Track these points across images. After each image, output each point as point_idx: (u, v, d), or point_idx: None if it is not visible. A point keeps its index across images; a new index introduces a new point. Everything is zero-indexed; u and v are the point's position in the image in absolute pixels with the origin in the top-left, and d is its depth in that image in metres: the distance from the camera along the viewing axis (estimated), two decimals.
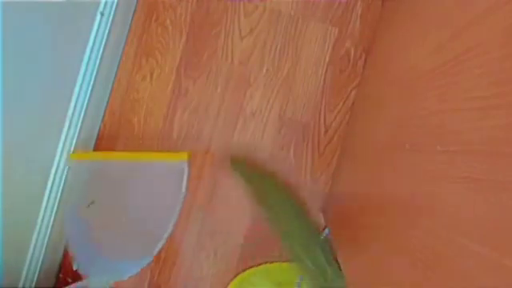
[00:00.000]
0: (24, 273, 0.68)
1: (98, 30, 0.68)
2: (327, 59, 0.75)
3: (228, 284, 0.75)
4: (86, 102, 0.70)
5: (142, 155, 0.72)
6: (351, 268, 0.54)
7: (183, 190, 0.68)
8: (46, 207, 0.69)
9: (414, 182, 0.35)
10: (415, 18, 0.47)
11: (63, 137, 0.68)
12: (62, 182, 0.70)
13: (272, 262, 0.75)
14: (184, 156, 0.69)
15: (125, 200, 0.71)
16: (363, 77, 0.74)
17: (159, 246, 0.65)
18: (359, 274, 0.49)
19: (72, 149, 0.70)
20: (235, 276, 0.75)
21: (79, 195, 0.71)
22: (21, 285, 0.68)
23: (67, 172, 0.71)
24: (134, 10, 0.78)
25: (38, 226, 0.68)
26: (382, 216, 0.43)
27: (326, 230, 0.73)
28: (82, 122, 0.71)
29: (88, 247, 0.68)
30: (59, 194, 0.70)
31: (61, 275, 0.78)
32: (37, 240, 0.69)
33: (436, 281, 0.27)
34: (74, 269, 0.77)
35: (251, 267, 0.75)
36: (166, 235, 0.66)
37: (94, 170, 0.72)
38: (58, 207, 0.71)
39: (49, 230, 0.70)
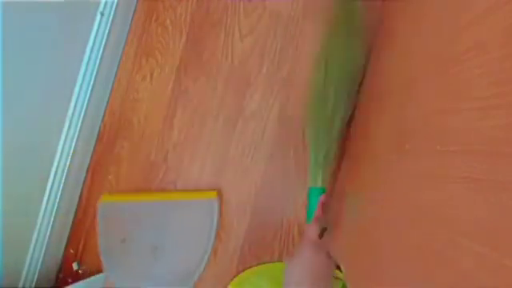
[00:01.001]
0: (24, 273, 0.68)
1: (98, 30, 0.68)
2: None
3: (228, 284, 0.75)
4: (85, 102, 0.70)
5: (171, 195, 0.76)
6: (351, 268, 0.54)
7: (214, 226, 0.73)
8: (45, 207, 0.69)
9: (414, 181, 0.35)
10: (415, 19, 0.47)
11: (63, 137, 0.68)
12: (62, 182, 0.70)
13: (272, 262, 0.75)
14: (213, 194, 0.74)
15: (161, 237, 0.74)
16: (363, 77, 0.74)
17: (194, 280, 0.72)
18: (359, 273, 0.49)
19: (72, 149, 0.70)
20: (235, 276, 0.75)
21: (113, 233, 0.75)
22: (21, 285, 0.68)
23: (102, 211, 0.75)
24: (134, 10, 0.78)
25: (37, 226, 0.68)
26: (382, 216, 0.43)
27: (326, 230, 0.73)
28: (82, 122, 0.71)
29: (131, 281, 0.72)
30: (59, 194, 0.70)
31: (61, 275, 0.78)
32: (37, 240, 0.69)
33: (436, 281, 0.27)
34: (74, 269, 0.78)
35: (251, 267, 0.75)
36: (199, 271, 0.72)
37: (125, 209, 0.75)
38: (57, 207, 0.71)
39: (49, 230, 0.70)
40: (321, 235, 0.54)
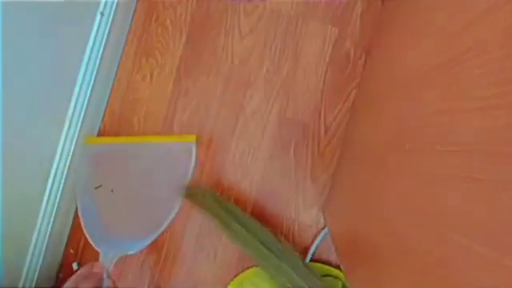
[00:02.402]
0: (24, 273, 0.68)
1: (98, 30, 0.68)
2: (327, 59, 0.75)
3: (228, 284, 0.75)
4: (86, 101, 0.70)
5: (150, 138, 0.76)
6: (351, 268, 0.54)
7: (192, 165, 0.73)
8: (45, 207, 0.69)
9: (414, 181, 0.35)
10: (415, 18, 0.47)
11: (63, 137, 0.68)
12: (63, 182, 0.70)
13: None
14: (192, 138, 0.74)
15: (134, 179, 0.74)
16: (363, 77, 0.74)
17: (168, 221, 0.69)
18: (359, 273, 0.49)
19: (72, 149, 0.70)
20: (235, 276, 0.75)
21: (90, 176, 0.74)
22: (21, 285, 0.68)
23: (80, 153, 0.73)
24: (134, 10, 0.78)
25: (37, 226, 0.68)
26: (382, 216, 0.43)
27: (326, 230, 0.73)
28: (82, 122, 0.71)
29: (98, 225, 0.70)
30: (59, 194, 0.70)
31: (61, 275, 0.78)
32: (37, 240, 0.69)
33: (436, 281, 0.27)
34: (74, 269, 0.78)
35: (251, 267, 0.75)
36: (174, 211, 0.70)
37: (104, 152, 0.75)
38: (57, 207, 0.71)
39: (49, 230, 0.70)
40: None
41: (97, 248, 0.65)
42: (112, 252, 0.64)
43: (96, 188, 0.73)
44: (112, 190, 0.73)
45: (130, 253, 0.66)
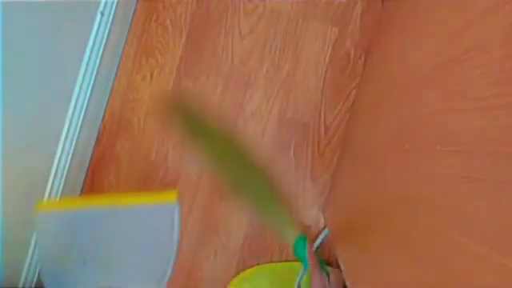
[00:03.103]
0: (24, 273, 0.68)
1: (98, 30, 0.68)
2: (327, 59, 0.75)
3: (228, 284, 0.75)
4: (86, 101, 0.70)
5: (123, 199, 0.65)
6: (351, 268, 0.54)
7: (176, 230, 0.64)
8: None
9: (414, 181, 0.35)
10: (415, 18, 0.47)
11: (63, 137, 0.68)
12: (62, 182, 0.70)
13: (272, 262, 0.75)
14: (172, 197, 0.64)
15: (111, 248, 0.65)
16: (363, 77, 0.74)
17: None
18: (359, 273, 0.49)
19: (72, 149, 0.70)
20: (235, 276, 0.75)
21: (53, 250, 0.65)
22: (21, 285, 0.68)
23: (37, 223, 0.64)
24: (134, 10, 0.78)
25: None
26: (382, 216, 0.43)
27: (326, 230, 0.73)
28: (82, 122, 0.71)
29: None
30: (59, 195, 0.70)
31: None
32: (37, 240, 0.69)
33: (436, 281, 0.27)
34: None
35: (251, 267, 0.75)
36: (164, 281, 0.63)
37: (66, 219, 0.65)
38: None
39: None
40: (328, 279, 0.52)
41: None
42: None
43: (60, 259, 0.63)
44: (84, 262, 0.64)
45: None
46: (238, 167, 0.60)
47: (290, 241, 0.61)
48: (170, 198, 0.64)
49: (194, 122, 0.62)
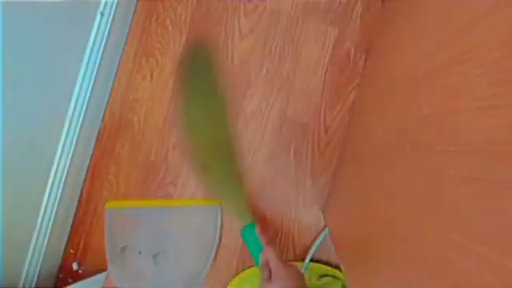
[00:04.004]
0: (24, 273, 0.68)
1: (97, 30, 0.68)
2: (327, 59, 0.75)
3: (228, 284, 0.75)
4: (86, 101, 0.70)
5: (175, 201, 0.77)
6: (352, 268, 0.54)
7: (218, 233, 0.74)
8: (46, 207, 0.69)
9: (414, 182, 0.35)
10: (415, 18, 0.47)
11: (63, 137, 0.68)
12: (63, 182, 0.70)
13: None
14: (216, 201, 0.75)
15: (164, 241, 0.76)
16: (363, 77, 0.74)
17: (202, 277, 0.73)
18: (360, 273, 0.49)
19: (72, 149, 0.70)
20: (235, 276, 0.75)
21: (115, 239, 0.76)
22: (21, 285, 0.68)
23: (106, 217, 0.76)
24: (134, 10, 0.78)
25: (37, 226, 0.68)
26: (382, 216, 0.43)
27: (326, 230, 0.73)
28: (82, 122, 0.71)
29: (134, 285, 0.74)
30: (59, 195, 0.70)
31: (61, 275, 0.78)
32: (37, 240, 0.69)
33: (436, 280, 0.27)
34: (74, 269, 0.78)
35: (251, 267, 0.75)
36: (205, 271, 0.74)
37: (127, 215, 0.77)
38: (57, 208, 0.71)
39: (49, 230, 0.70)
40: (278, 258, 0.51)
41: None
42: None
43: (122, 250, 0.75)
44: (140, 252, 0.75)
45: None
46: (213, 134, 0.60)
47: (240, 225, 0.62)
48: (213, 202, 0.76)
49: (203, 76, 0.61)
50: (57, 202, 0.70)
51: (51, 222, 0.70)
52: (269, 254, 0.53)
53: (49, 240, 0.71)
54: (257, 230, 0.58)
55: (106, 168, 0.79)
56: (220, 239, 0.75)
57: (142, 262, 0.75)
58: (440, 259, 0.27)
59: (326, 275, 0.70)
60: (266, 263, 0.52)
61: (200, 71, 0.62)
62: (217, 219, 0.74)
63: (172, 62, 0.78)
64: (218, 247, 0.75)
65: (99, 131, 0.78)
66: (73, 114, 0.69)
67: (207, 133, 0.60)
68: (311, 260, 0.73)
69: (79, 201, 0.79)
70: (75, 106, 0.69)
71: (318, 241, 0.73)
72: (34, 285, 0.70)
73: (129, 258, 0.75)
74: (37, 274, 0.70)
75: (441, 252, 0.27)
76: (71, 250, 0.78)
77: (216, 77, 0.62)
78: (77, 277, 0.78)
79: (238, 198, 0.62)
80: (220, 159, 0.61)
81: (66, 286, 0.67)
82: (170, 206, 0.77)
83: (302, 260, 0.73)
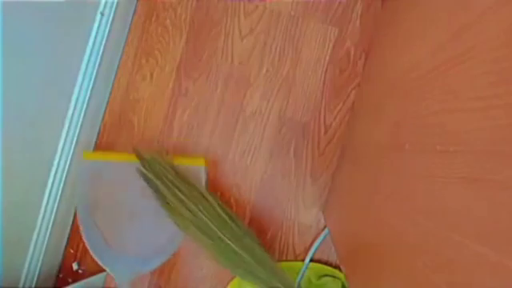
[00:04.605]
0: (24, 273, 0.68)
1: (97, 30, 0.68)
2: (327, 59, 0.75)
3: (228, 284, 0.75)
4: (85, 102, 0.70)
5: None
6: (352, 267, 0.54)
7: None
8: (46, 207, 0.69)
9: (414, 182, 0.35)
10: (415, 18, 0.47)
11: (63, 137, 0.68)
12: (63, 182, 0.70)
13: None
14: (201, 161, 0.72)
15: (143, 199, 0.70)
16: (363, 77, 0.74)
17: (179, 239, 0.67)
18: (360, 273, 0.49)
19: (72, 149, 0.70)
20: (235, 275, 0.75)
21: (88, 194, 0.70)
22: (21, 285, 0.68)
23: (77, 169, 0.70)
24: (134, 10, 0.78)
25: (37, 226, 0.68)
26: (382, 216, 0.43)
27: (326, 230, 0.73)
28: (82, 122, 0.71)
29: (105, 246, 0.68)
30: (59, 194, 0.70)
31: (61, 275, 0.78)
32: (37, 240, 0.69)
33: (436, 280, 0.27)
34: (74, 269, 0.78)
35: None
36: (180, 237, 0.68)
37: (104, 168, 0.71)
38: (58, 207, 0.71)
39: (49, 229, 0.70)
40: None
41: (109, 271, 0.63)
42: (126, 274, 0.61)
43: (94, 205, 0.69)
44: (114, 208, 0.70)
45: (145, 272, 0.63)
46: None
47: None
48: (198, 162, 0.72)
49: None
50: (57, 201, 0.70)
51: (51, 222, 0.70)
52: None
53: (49, 240, 0.70)
54: None
55: None
56: None
57: (116, 222, 0.69)
58: (440, 259, 0.27)
59: (326, 275, 0.70)
60: None
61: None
62: (200, 181, 0.70)
63: (172, 62, 0.78)
64: None
65: (99, 131, 0.78)
66: (73, 114, 0.69)
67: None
68: (311, 260, 0.73)
69: None
70: (75, 106, 0.68)
71: (318, 241, 0.73)
72: (33, 285, 0.70)
73: (101, 217, 0.69)
74: (37, 274, 0.70)
75: (441, 252, 0.27)
76: (71, 250, 0.78)
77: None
78: (77, 277, 0.78)
79: (267, 276, 0.60)
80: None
81: (65, 286, 0.67)
82: None
83: (302, 260, 0.73)
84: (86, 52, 0.68)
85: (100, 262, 0.64)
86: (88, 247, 0.66)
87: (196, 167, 0.71)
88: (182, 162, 0.71)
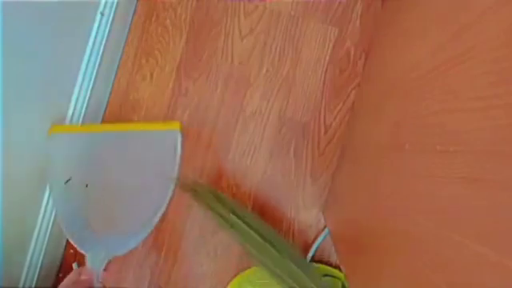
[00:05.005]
0: (24, 273, 0.68)
1: (97, 30, 0.68)
2: (327, 59, 0.75)
3: (228, 283, 0.75)
4: (86, 102, 0.70)
5: (128, 126, 0.72)
6: (352, 267, 0.54)
7: (178, 155, 0.66)
8: (46, 207, 0.69)
9: (414, 182, 0.35)
10: (415, 18, 0.47)
11: None
12: None
13: None
14: (176, 125, 0.68)
15: (115, 172, 0.67)
16: (363, 77, 0.74)
17: (158, 216, 0.63)
18: (360, 273, 0.49)
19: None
20: (235, 275, 0.75)
21: (59, 170, 0.66)
22: (21, 285, 0.68)
23: (48, 144, 0.65)
24: (134, 10, 0.78)
25: (37, 226, 0.68)
26: (382, 216, 0.43)
27: (326, 230, 0.73)
28: (82, 122, 0.71)
29: (79, 225, 0.64)
30: None
31: (61, 275, 0.78)
32: (37, 240, 0.69)
33: (436, 280, 0.27)
34: (74, 269, 0.78)
35: (251, 267, 0.75)
36: (164, 204, 0.63)
37: (78, 142, 0.67)
38: None
39: (49, 230, 0.70)
40: None
41: (82, 251, 0.59)
42: (100, 254, 0.58)
43: (66, 182, 0.65)
44: (86, 185, 0.66)
45: (120, 254, 0.60)
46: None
47: None
48: (173, 126, 0.68)
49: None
50: None
51: (51, 222, 0.70)
52: None
53: (49, 240, 0.70)
54: None
55: None
56: (179, 169, 0.66)
57: (89, 196, 0.65)
58: (440, 259, 0.27)
59: (326, 275, 0.70)
60: None
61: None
62: (176, 148, 0.65)
63: (172, 62, 0.78)
64: (178, 178, 0.66)
65: None
66: (73, 114, 0.69)
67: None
68: (311, 260, 0.73)
69: None
70: (75, 106, 0.68)
71: (318, 241, 0.73)
72: (33, 285, 0.70)
73: (73, 192, 0.65)
74: (37, 274, 0.70)
75: (441, 252, 0.27)
76: (71, 250, 0.78)
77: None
78: None
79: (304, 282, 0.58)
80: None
81: None
82: (122, 131, 0.69)
83: (304, 258, 0.73)
84: (86, 52, 0.68)
85: (75, 243, 0.61)
86: (62, 227, 0.63)
87: (171, 132, 0.67)
88: (156, 128, 0.69)
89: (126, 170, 0.67)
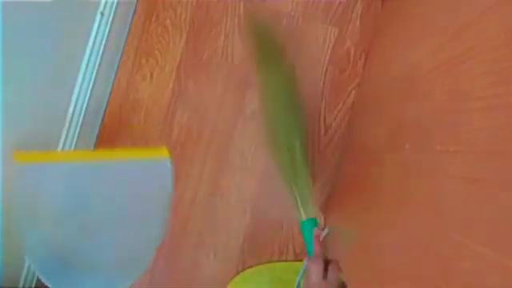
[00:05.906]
0: (24, 273, 0.68)
1: (97, 30, 0.68)
2: (327, 59, 0.75)
3: (228, 283, 0.75)
4: (86, 102, 0.70)
5: (110, 154, 0.59)
6: (352, 267, 0.54)
7: (169, 193, 0.57)
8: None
9: (414, 182, 0.35)
10: (415, 19, 0.47)
11: (63, 137, 0.68)
12: None
13: (272, 262, 0.75)
14: (164, 152, 0.56)
15: (96, 207, 0.57)
16: (363, 77, 0.74)
17: (150, 257, 0.57)
18: (360, 273, 0.49)
19: (72, 149, 0.70)
20: (235, 275, 0.75)
21: (30, 204, 0.56)
22: (21, 285, 0.68)
23: (15, 174, 0.55)
24: (134, 10, 0.78)
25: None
26: (382, 216, 0.43)
27: (326, 230, 0.73)
28: (82, 122, 0.71)
29: (57, 268, 0.56)
30: None
31: None
32: None
33: (436, 280, 0.27)
34: None
35: (251, 266, 0.75)
36: (155, 245, 0.58)
37: (45, 172, 0.56)
38: None
39: None
40: (325, 274, 0.46)
41: None
42: None
43: (37, 216, 0.56)
44: (61, 218, 0.56)
45: None
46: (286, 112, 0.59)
47: (299, 219, 0.56)
48: (161, 153, 0.56)
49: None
50: None
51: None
52: (311, 268, 0.49)
53: None
54: (314, 233, 0.54)
55: None
56: (171, 203, 0.58)
57: (65, 234, 0.56)
58: (440, 259, 0.27)
59: None
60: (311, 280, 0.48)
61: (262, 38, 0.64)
62: (166, 179, 0.56)
63: (172, 62, 0.78)
64: (171, 214, 0.60)
65: (99, 131, 0.78)
66: (73, 114, 0.69)
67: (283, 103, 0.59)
68: None
69: None
70: (75, 106, 0.68)
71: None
72: (33, 285, 0.70)
73: (48, 228, 0.55)
74: (36, 275, 0.70)
75: (441, 252, 0.27)
76: None
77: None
78: None
79: (304, 189, 0.57)
80: (292, 139, 0.58)
81: None
82: (105, 161, 0.57)
83: (302, 260, 0.73)
84: (86, 52, 0.68)
85: (50, 285, 0.53)
86: (36, 269, 0.54)
87: (160, 162, 0.56)
88: (142, 155, 0.58)
89: (111, 205, 0.58)
